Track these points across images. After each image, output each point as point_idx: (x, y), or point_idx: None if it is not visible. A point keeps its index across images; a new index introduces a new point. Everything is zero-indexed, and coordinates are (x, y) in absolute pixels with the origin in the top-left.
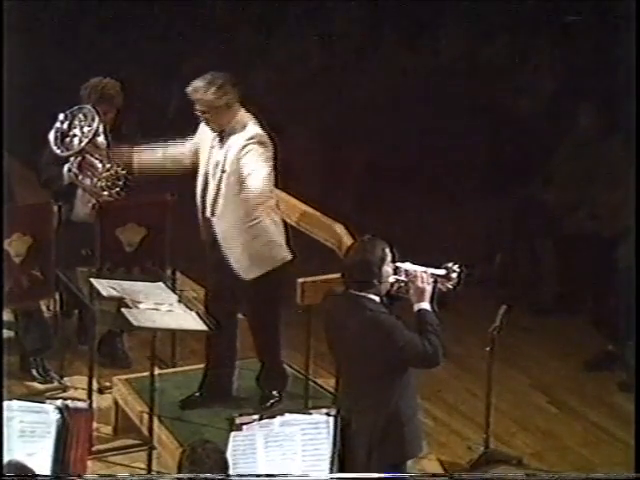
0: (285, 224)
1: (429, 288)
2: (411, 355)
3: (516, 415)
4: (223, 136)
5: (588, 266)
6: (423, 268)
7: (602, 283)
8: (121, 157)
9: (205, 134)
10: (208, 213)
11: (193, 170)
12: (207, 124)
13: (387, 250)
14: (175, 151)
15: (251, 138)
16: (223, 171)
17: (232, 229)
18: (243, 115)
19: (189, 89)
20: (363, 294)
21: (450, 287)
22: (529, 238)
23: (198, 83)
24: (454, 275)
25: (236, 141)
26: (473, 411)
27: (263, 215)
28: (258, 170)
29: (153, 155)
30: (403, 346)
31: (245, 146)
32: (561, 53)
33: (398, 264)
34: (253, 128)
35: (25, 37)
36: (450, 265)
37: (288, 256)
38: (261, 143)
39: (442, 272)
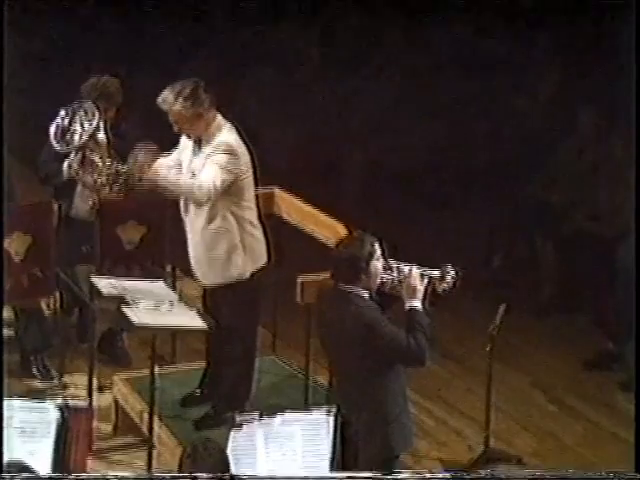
0: (267, 238)
1: (421, 287)
2: (394, 351)
3: (516, 414)
4: (201, 144)
5: (588, 266)
6: (416, 267)
7: (602, 283)
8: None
9: (186, 143)
10: (183, 215)
11: None
12: (182, 133)
13: (376, 245)
14: (163, 163)
15: (217, 147)
16: (194, 175)
17: (198, 233)
18: (219, 121)
19: (158, 100)
20: (351, 289)
21: (445, 288)
22: (529, 238)
23: (166, 94)
24: (449, 277)
25: (207, 150)
26: (473, 410)
27: (227, 227)
28: (206, 174)
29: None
30: (386, 341)
31: (210, 154)
32: (561, 53)
33: (391, 262)
34: (224, 136)
35: (25, 37)
36: (446, 267)
37: (246, 274)
38: (226, 152)
39: (437, 273)
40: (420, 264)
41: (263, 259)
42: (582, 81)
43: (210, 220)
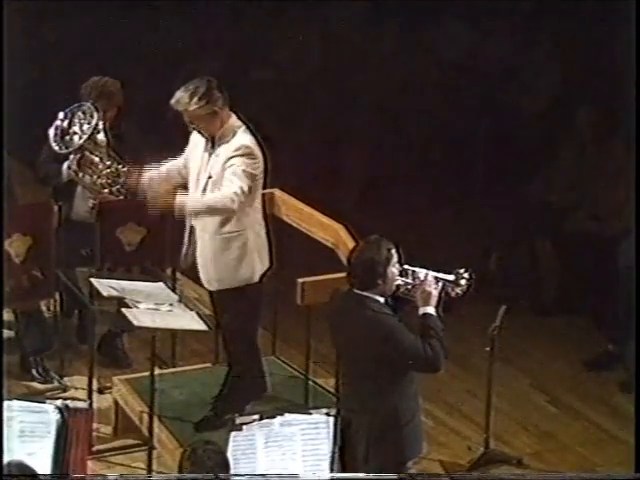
0: (269, 239)
1: (435, 292)
2: (411, 358)
3: (516, 415)
4: (214, 142)
5: (588, 266)
6: (432, 272)
7: (602, 283)
8: (132, 178)
9: (197, 141)
10: (191, 219)
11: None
12: (197, 132)
13: (393, 251)
14: (173, 166)
15: (237, 149)
16: (209, 177)
17: (207, 237)
18: (233, 121)
19: (173, 101)
20: (367, 294)
21: (459, 293)
22: (530, 238)
23: (180, 94)
24: (463, 281)
25: (224, 151)
26: (473, 411)
27: (242, 230)
28: (232, 185)
29: (159, 173)
30: (403, 348)
31: (230, 158)
32: (562, 53)
33: (406, 266)
34: (241, 137)
35: (25, 37)
36: (460, 271)
37: (255, 277)
38: (246, 155)
39: (451, 277)
40: (419, 264)
41: (267, 261)
42: (582, 81)
43: (224, 223)
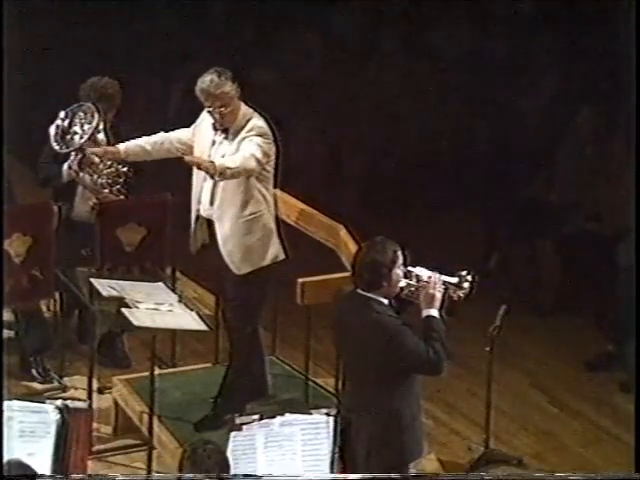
0: (278, 225)
1: (439, 295)
2: (414, 361)
3: (516, 415)
4: (229, 132)
5: (588, 266)
6: (436, 274)
7: (602, 283)
8: (109, 153)
9: (203, 130)
10: (205, 208)
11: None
12: (221, 119)
13: (398, 253)
14: (164, 138)
15: (250, 130)
16: (222, 157)
17: (228, 224)
18: (246, 110)
19: (203, 86)
20: (371, 295)
21: (461, 295)
22: (529, 238)
23: (211, 77)
24: (466, 284)
25: (238, 135)
26: (473, 411)
27: (262, 210)
28: (249, 148)
29: (137, 144)
30: (406, 351)
31: (244, 138)
32: (562, 53)
33: (410, 268)
34: (255, 121)
35: (25, 36)
36: (463, 273)
37: (281, 255)
38: (260, 135)
39: (454, 280)
40: (420, 265)
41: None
42: (582, 81)
43: (245, 205)
